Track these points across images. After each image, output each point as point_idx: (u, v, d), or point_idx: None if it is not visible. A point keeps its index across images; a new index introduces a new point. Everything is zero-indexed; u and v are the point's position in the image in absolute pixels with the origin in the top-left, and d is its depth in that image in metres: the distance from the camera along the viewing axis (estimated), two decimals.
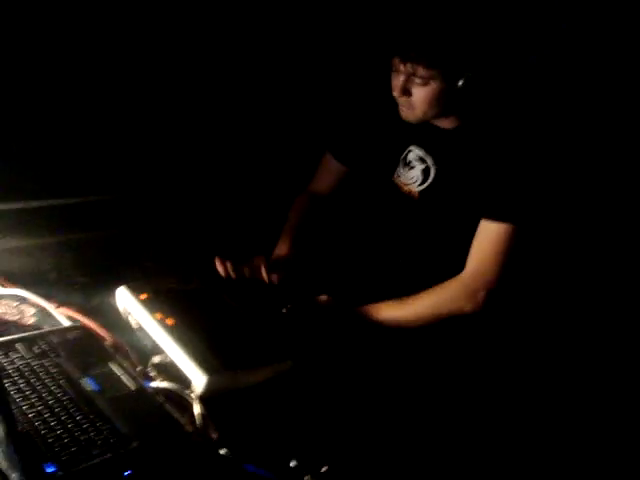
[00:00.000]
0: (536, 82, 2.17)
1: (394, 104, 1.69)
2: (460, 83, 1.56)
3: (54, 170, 1.91)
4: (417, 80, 1.57)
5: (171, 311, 1.44)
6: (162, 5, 2.12)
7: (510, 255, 1.64)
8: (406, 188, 1.82)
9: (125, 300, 1.46)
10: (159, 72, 2.16)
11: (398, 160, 1.84)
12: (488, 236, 1.65)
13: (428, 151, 1.77)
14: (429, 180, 1.77)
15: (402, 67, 1.57)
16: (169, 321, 1.40)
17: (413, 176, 1.79)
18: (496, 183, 1.64)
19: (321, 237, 1.99)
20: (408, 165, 1.80)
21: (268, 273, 1.72)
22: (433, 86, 1.57)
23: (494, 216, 1.64)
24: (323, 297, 1.66)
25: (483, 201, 1.65)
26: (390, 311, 1.66)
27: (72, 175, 1.87)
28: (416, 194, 1.80)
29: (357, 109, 1.95)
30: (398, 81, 1.60)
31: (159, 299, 1.47)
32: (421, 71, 1.55)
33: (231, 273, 1.69)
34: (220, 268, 1.72)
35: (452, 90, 1.57)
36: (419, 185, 1.79)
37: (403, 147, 1.82)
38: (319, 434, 1.27)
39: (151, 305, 1.44)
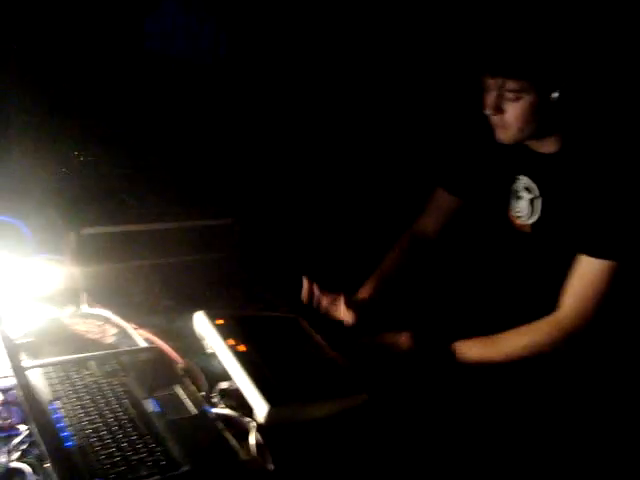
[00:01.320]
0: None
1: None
2: (554, 95, 1.45)
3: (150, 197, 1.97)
4: (509, 95, 1.47)
5: (245, 338, 1.42)
6: None
7: (610, 294, 1.50)
8: (517, 222, 1.72)
9: (201, 324, 1.46)
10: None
11: (509, 191, 1.73)
12: (589, 273, 1.52)
13: (534, 179, 1.65)
14: (537, 212, 1.66)
15: (492, 83, 1.48)
16: (241, 348, 1.39)
17: (521, 208, 1.68)
18: (599, 216, 1.51)
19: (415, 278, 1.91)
20: (516, 195, 1.70)
21: (345, 311, 1.67)
22: (526, 100, 1.47)
23: (598, 253, 1.51)
24: (405, 335, 1.59)
25: (585, 235, 1.53)
26: (477, 349, 1.57)
27: (169, 201, 1.92)
28: (528, 228, 1.69)
29: (465, 141, 1.87)
30: (489, 99, 1.51)
31: (235, 325, 1.47)
32: (511, 84, 1.45)
33: (313, 295, 1.66)
34: (305, 288, 1.69)
35: (547, 104, 1.46)
36: (529, 218, 1.68)
37: (512, 177, 1.71)
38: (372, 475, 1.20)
39: (225, 331, 1.43)
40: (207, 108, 2.42)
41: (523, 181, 1.67)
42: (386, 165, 2.64)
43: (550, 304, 1.58)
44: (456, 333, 1.62)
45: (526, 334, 1.57)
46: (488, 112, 1.52)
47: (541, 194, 1.64)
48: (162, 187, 1.94)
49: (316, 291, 1.70)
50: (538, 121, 1.51)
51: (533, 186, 1.65)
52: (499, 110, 1.50)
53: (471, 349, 1.57)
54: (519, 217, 1.70)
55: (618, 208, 1.50)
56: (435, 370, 1.56)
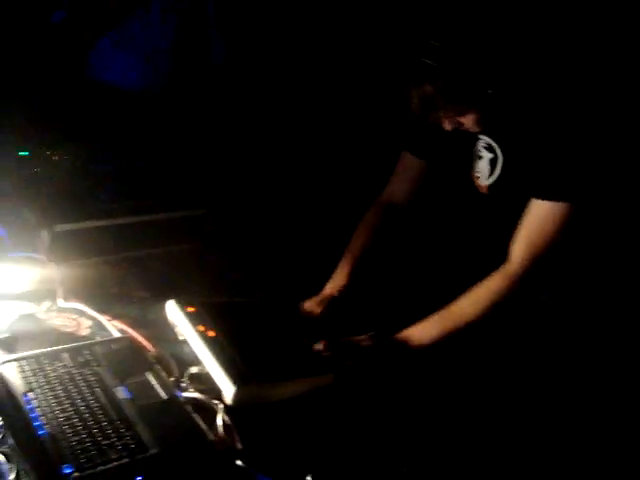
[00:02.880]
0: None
1: None
2: (490, 92, 1.42)
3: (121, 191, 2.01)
4: (453, 118, 1.47)
5: (214, 324, 1.47)
6: None
7: (560, 237, 1.50)
8: (477, 182, 1.71)
9: (173, 312, 1.51)
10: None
11: (472, 152, 1.70)
12: (537, 217, 1.51)
13: (495, 138, 1.63)
14: (497, 173, 1.65)
15: (432, 116, 1.47)
16: (210, 333, 1.44)
17: (481, 168, 1.67)
18: (548, 160, 1.50)
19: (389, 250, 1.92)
20: (477, 155, 1.68)
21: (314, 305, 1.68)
22: (470, 112, 1.46)
23: (546, 194, 1.49)
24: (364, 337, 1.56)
25: (535, 181, 1.51)
26: (432, 329, 1.56)
27: (140, 195, 1.96)
28: (485, 189, 1.69)
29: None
30: (444, 124, 1.50)
31: (205, 312, 1.51)
32: (448, 111, 1.45)
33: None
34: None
35: (487, 101, 1.44)
36: (487, 179, 1.67)
37: (474, 136, 1.67)
38: (342, 456, 1.25)
39: (196, 318, 1.48)
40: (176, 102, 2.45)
41: (484, 140, 1.65)
42: (356, 153, 2.67)
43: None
44: (415, 309, 1.62)
45: (480, 299, 1.56)
46: (448, 129, 1.50)
47: (502, 151, 1.62)
48: (134, 181, 1.97)
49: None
50: (481, 119, 1.49)
51: (494, 145, 1.63)
52: (459, 124, 1.49)
53: (430, 332, 1.55)
54: (478, 177, 1.69)
55: (566, 150, 1.48)
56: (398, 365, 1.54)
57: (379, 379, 1.47)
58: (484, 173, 1.67)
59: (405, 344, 1.54)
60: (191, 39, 2.54)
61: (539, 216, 1.51)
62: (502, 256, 1.59)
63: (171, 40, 2.49)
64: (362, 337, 1.54)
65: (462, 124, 1.49)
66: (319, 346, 1.48)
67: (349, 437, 1.31)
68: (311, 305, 1.67)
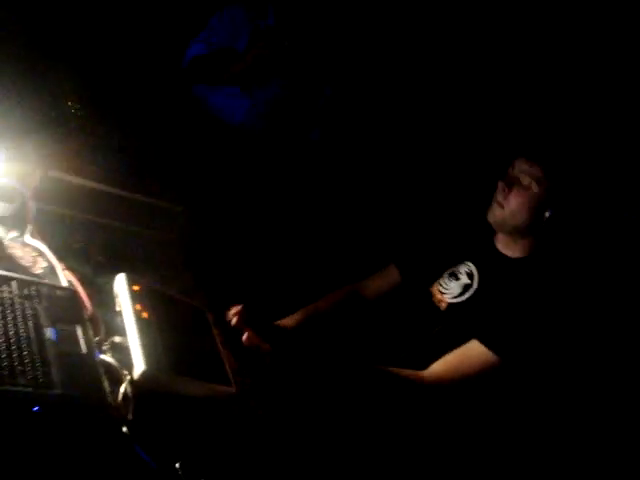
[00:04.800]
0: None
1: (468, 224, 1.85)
2: (547, 213, 1.71)
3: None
4: (525, 180, 1.72)
5: (152, 308, 1.61)
6: None
7: (474, 380, 1.69)
8: (438, 297, 1.89)
9: (119, 284, 1.64)
10: None
11: (444, 271, 1.92)
12: (468, 352, 1.71)
13: (481, 272, 1.84)
14: (463, 298, 1.84)
15: (519, 165, 1.73)
16: (144, 314, 1.57)
17: (452, 287, 1.87)
18: (507, 317, 1.71)
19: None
20: (454, 276, 1.88)
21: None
22: (532, 192, 1.71)
23: (486, 341, 1.69)
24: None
25: (491, 327, 1.71)
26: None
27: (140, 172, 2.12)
28: (444, 306, 1.87)
29: (429, 232, 2.09)
30: (509, 175, 1.75)
31: (147, 295, 1.65)
32: (536, 171, 1.71)
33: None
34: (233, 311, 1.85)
35: (541, 211, 1.72)
36: (452, 297, 1.86)
37: (458, 260, 1.91)
38: (212, 453, 1.39)
39: (137, 297, 1.62)
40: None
41: (469, 267, 1.86)
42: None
43: None
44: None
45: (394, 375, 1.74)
46: (500, 184, 1.75)
47: (479, 285, 1.83)
48: (132, 159, 2.14)
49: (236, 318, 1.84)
50: (528, 219, 1.75)
51: (476, 276, 1.84)
52: (510, 187, 1.73)
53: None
54: (443, 293, 1.87)
55: (527, 320, 1.69)
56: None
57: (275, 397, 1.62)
58: (453, 292, 1.85)
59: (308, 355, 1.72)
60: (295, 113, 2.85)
61: (469, 351, 1.70)
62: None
63: (278, 104, 2.80)
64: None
65: (510, 192, 1.72)
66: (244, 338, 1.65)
67: (226, 441, 1.45)
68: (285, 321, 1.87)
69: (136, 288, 1.64)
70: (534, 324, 1.69)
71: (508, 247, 1.83)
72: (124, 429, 1.30)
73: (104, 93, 2.42)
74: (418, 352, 1.92)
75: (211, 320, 1.78)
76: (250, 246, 2.57)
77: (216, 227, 2.41)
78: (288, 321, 1.99)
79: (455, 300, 1.86)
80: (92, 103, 2.16)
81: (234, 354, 1.72)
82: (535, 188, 1.72)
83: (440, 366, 1.73)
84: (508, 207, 1.76)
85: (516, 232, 1.79)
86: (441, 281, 1.92)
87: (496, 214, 1.79)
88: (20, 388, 1.24)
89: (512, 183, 1.74)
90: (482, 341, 1.71)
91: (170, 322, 1.62)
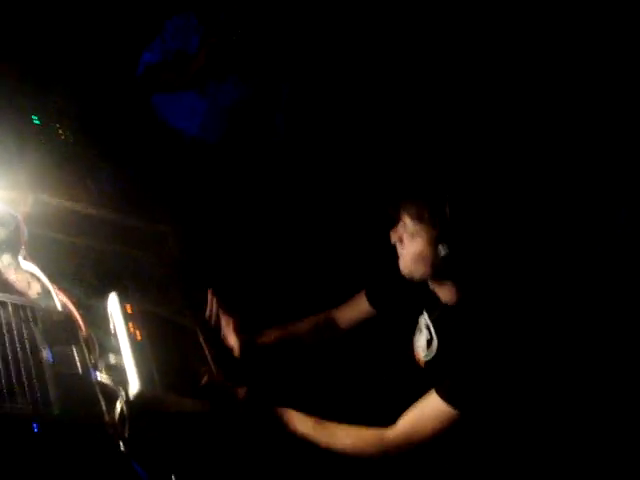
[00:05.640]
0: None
1: None
2: (442, 250, 1.64)
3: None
4: (407, 231, 1.67)
5: (144, 328, 1.65)
6: None
7: (438, 434, 1.67)
8: (417, 355, 1.88)
9: (112, 305, 1.68)
10: None
11: (416, 321, 1.89)
12: (429, 407, 1.67)
13: (433, 322, 1.82)
14: (432, 353, 1.81)
15: (397, 214, 1.69)
16: (138, 335, 1.62)
17: (420, 344, 1.85)
18: (461, 368, 1.68)
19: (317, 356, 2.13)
20: (419, 330, 1.87)
21: (233, 337, 1.88)
22: (418, 243, 1.66)
23: (443, 394, 1.66)
24: (242, 390, 1.69)
25: (447, 378, 1.68)
26: (306, 426, 1.68)
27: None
28: (422, 363, 1.85)
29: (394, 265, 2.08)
30: (397, 227, 1.71)
31: (141, 316, 1.69)
32: (408, 222, 1.66)
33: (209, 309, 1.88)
34: (209, 301, 1.91)
35: (436, 255, 1.65)
36: (425, 355, 1.84)
37: (420, 308, 1.87)
38: (205, 466, 1.44)
39: (130, 317, 1.66)
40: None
41: (425, 319, 1.84)
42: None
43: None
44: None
45: (352, 436, 1.69)
46: (393, 241, 1.72)
47: (437, 337, 1.80)
48: (121, 182, 2.19)
49: (214, 307, 1.91)
50: (427, 268, 1.69)
51: (431, 327, 1.81)
52: (400, 241, 1.70)
53: (302, 423, 1.68)
54: (418, 351, 1.87)
55: (478, 370, 1.66)
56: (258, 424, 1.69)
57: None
58: (422, 347, 1.84)
59: (276, 414, 1.68)
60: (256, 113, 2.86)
61: (431, 407, 1.66)
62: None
63: (237, 104, 2.80)
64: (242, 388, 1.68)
65: (402, 245, 1.70)
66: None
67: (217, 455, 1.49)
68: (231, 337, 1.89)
69: (129, 308, 1.68)
70: (481, 371, 1.66)
71: (441, 293, 1.78)
72: (121, 446, 1.34)
73: (91, 117, 2.47)
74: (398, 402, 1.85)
75: (202, 338, 1.82)
76: (235, 260, 2.61)
77: (205, 245, 2.45)
78: (267, 337, 1.99)
79: (427, 357, 1.84)
80: (80, 128, 2.20)
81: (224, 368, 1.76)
82: (419, 236, 1.65)
83: (406, 427, 1.68)
84: (407, 261, 1.71)
85: (431, 279, 1.76)
86: (415, 336, 1.91)
87: (402, 269, 1.75)
88: (20, 406, 1.28)
89: (401, 236, 1.70)
90: (444, 396, 1.66)
91: (162, 341, 1.67)
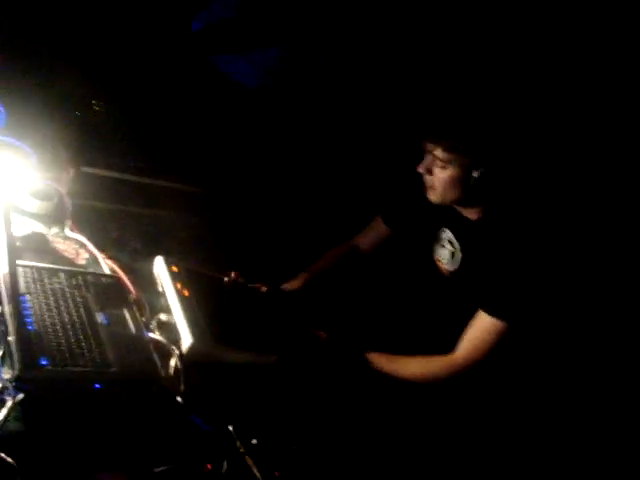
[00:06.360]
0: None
1: None
2: (475, 175, 1.75)
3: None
4: (438, 162, 1.77)
5: (191, 286, 1.72)
6: None
7: (495, 348, 1.82)
8: (441, 266, 2.01)
9: (159, 267, 1.76)
10: None
11: (435, 236, 2.02)
12: (482, 327, 1.82)
13: (457, 237, 1.94)
14: (457, 264, 1.95)
15: (427, 147, 1.78)
16: (185, 292, 1.69)
17: (444, 255, 1.98)
18: (501, 282, 1.81)
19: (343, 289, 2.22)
20: (439, 243, 1.99)
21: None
22: (451, 171, 1.77)
23: (492, 311, 1.80)
24: (322, 333, 1.86)
25: (486, 294, 1.82)
26: (382, 362, 1.85)
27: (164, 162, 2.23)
28: (447, 273, 1.99)
29: (408, 184, 2.10)
30: (424, 160, 1.81)
31: (186, 275, 1.76)
32: (440, 153, 1.75)
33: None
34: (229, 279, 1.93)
35: (468, 180, 1.77)
36: (450, 265, 1.97)
37: (439, 225, 2.00)
38: (262, 415, 1.51)
39: (177, 276, 1.73)
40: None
41: (447, 234, 1.97)
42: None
43: (451, 340, 1.88)
44: (368, 344, 1.90)
45: (423, 365, 1.89)
46: (419, 171, 1.82)
47: (462, 250, 1.93)
48: (155, 150, 2.25)
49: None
50: (460, 192, 1.81)
51: (455, 242, 1.94)
52: (429, 172, 1.81)
53: (379, 360, 1.85)
54: (440, 262, 2.00)
55: (518, 279, 1.79)
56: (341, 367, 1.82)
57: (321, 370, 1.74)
58: (446, 259, 1.98)
59: (356, 354, 1.82)
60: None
61: (482, 326, 1.82)
62: (449, 331, 1.90)
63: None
64: (323, 332, 1.82)
65: (432, 175, 1.79)
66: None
67: (274, 404, 1.57)
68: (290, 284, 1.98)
69: (174, 269, 1.75)
70: (522, 281, 1.79)
71: (466, 211, 1.90)
72: (178, 399, 1.41)
73: (122, 86, 2.51)
74: (433, 318, 2.06)
75: (247, 286, 1.88)
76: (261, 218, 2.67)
77: (235, 205, 2.51)
78: (295, 283, 2.05)
79: (452, 268, 1.97)
80: (113, 99, 2.26)
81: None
82: (451, 164, 1.76)
83: (466, 348, 1.84)
84: (438, 189, 1.82)
85: (461, 202, 1.87)
86: (435, 249, 2.02)
87: (432, 198, 1.86)
88: (81, 368, 1.35)
89: (429, 167, 1.81)
90: (490, 312, 1.81)
91: (210, 297, 1.74)
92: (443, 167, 1.77)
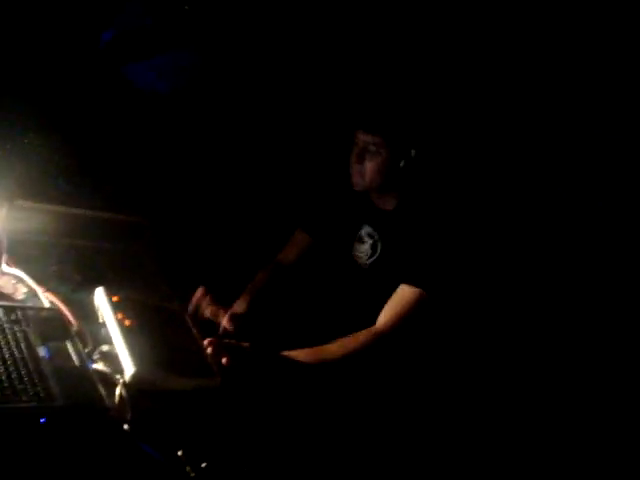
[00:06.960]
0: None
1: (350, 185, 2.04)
2: (401, 164, 1.95)
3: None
4: (370, 148, 1.92)
5: (133, 315, 1.72)
6: None
7: (415, 317, 1.95)
8: (359, 261, 2.15)
9: (99, 298, 1.75)
10: None
11: (355, 236, 2.18)
12: (401, 297, 1.95)
13: (375, 229, 2.11)
14: (377, 254, 2.11)
15: (359, 137, 1.94)
16: (127, 322, 1.69)
17: (364, 250, 2.14)
18: (419, 255, 1.96)
19: (280, 300, 2.27)
20: (360, 240, 2.15)
21: (228, 322, 1.99)
22: (382, 156, 1.93)
23: (411, 281, 1.94)
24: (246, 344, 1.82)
25: (404, 269, 1.96)
26: (306, 357, 1.85)
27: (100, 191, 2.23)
28: (365, 265, 2.13)
29: (324, 189, 2.30)
30: (356, 149, 1.97)
31: (127, 305, 1.76)
32: (371, 142, 1.92)
33: (201, 306, 1.99)
34: (196, 296, 2.00)
35: (397, 167, 1.96)
36: (369, 258, 2.12)
37: (359, 225, 2.17)
38: (211, 438, 1.52)
39: (118, 306, 1.73)
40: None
41: (367, 229, 2.13)
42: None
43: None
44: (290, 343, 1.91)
45: (349, 343, 1.92)
46: (352, 160, 1.98)
47: (380, 239, 2.09)
48: (93, 178, 2.24)
49: (206, 302, 2.01)
50: (386, 178, 1.99)
51: (374, 233, 2.11)
52: (361, 159, 1.96)
53: (304, 356, 1.85)
54: (360, 257, 2.14)
55: (434, 252, 1.96)
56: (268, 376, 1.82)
57: (254, 382, 1.75)
58: (366, 254, 2.14)
59: (279, 358, 1.83)
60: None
61: (402, 295, 1.95)
62: (370, 319, 1.99)
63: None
64: (245, 343, 1.81)
65: (362, 163, 1.95)
66: (206, 342, 1.74)
67: (222, 426, 1.57)
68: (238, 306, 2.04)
69: (115, 299, 1.75)
70: (439, 255, 1.95)
71: (382, 201, 2.09)
72: (125, 427, 1.42)
73: (48, 115, 2.49)
74: (357, 309, 2.14)
75: (187, 319, 1.89)
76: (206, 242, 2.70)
77: (175, 231, 2.53)
78: (240, 305, 2.13)
79: (372, 259, 2.13)
80: (46, 130, 2.25)
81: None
82: (382, 152, 1.94)
83: (386, 316, 1.94)
84: (367, 175, 1.99)
85: (383, 190, 2.05)
86: (355, 246, 2.17)
87: (360, 183, 2.03)
88: (24, 404, 1.34)
89: (362, 154, 1.97)
90: (408, 282, 1.95)
91: (151, 326, 1.74)
92: (373, 155, 1.94)
